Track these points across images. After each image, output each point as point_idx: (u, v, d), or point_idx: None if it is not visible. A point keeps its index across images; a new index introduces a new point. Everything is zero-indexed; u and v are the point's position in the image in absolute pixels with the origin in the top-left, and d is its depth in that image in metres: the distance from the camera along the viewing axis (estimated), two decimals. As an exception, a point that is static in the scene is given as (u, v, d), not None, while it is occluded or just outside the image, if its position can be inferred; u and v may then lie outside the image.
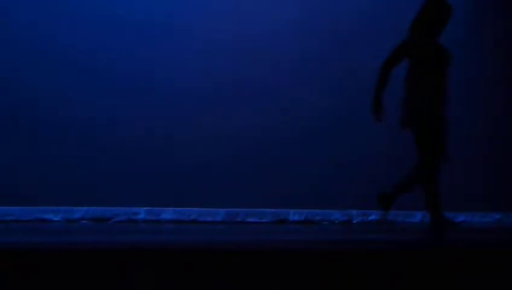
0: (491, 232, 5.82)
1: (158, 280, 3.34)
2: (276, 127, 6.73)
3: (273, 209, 6.62)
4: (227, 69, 6.71)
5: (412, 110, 5.32)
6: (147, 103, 6.59)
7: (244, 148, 6.67)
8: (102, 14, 6.62)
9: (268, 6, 6.83)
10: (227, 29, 6.71)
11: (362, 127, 6.62)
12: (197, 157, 6.60)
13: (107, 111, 6.54)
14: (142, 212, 6.45)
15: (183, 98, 6.64)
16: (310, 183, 6.66)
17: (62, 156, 6.45)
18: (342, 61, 6.83)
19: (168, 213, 6.47)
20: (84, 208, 6.38)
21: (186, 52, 6.68)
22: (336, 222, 6.67)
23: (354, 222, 6.69)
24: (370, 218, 6.70)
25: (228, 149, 6.65)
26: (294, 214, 6.63)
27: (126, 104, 6.57)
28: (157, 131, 6.60)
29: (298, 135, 6.77)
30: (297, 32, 6.83)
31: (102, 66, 6.58)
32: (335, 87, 6.81)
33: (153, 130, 6.59)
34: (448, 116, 5.35)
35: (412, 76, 5.34)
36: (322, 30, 6.86)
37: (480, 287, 3.56)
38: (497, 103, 7.01)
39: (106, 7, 6.64)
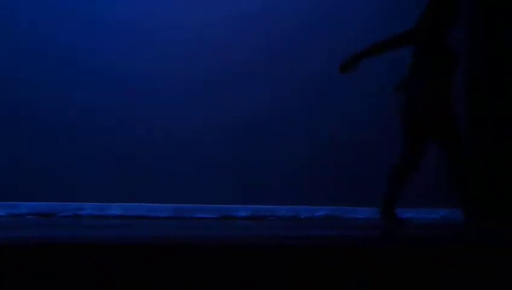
0: (437, 228, 5.90)
1: (102, 275, 3.32)
2: (220, 126, 6.71)
3: (220, 205, 6.60)
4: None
5: (407, 103, 5.22)
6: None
7: (191, 143, 6.64)
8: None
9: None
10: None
11: (311, 123, 6.67)
12: (146, 153, 6.56)
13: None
14: (88, 208, 6.39)
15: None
16: (258, 179, 6.67)
17: (7, 152, 6.38)
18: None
19: (115, 209, 6.42)
20: (30, 203, 6.31)
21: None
22: (284, 217, 6.68)
23: (302, 217, 6.71)
24: (318, 214, 6.73)
25: (175, 145, 6.62)
26: (242, 210, 6.63)
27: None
28: (102, 128, 6.56)
29: (247, 130, 6.76)
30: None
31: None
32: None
33: (97, 127, 6.54)
34: (451, 118, 5.22)
35: (413, 70, 5.21)
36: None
37: (428, 283, 3.60)
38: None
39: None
